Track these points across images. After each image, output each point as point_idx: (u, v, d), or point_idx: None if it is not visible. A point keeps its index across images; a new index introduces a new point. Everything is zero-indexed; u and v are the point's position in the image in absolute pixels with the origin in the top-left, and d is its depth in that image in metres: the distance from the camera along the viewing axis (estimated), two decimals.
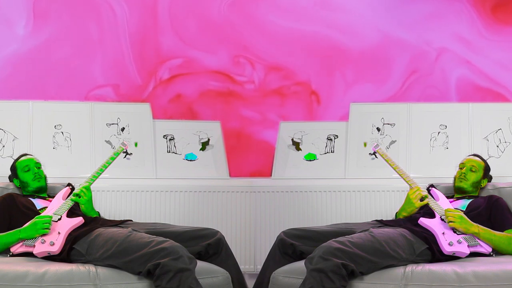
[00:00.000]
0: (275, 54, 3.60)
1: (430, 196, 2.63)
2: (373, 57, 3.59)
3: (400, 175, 2.74)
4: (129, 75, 3.57)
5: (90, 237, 2.34)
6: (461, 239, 2.36)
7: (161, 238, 2.23)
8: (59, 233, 2.38)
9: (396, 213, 2.81)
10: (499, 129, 3.30)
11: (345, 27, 3.60)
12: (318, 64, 3.60)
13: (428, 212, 2.60)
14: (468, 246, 2.35)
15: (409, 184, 2.70)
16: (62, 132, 3.27)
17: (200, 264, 2.27)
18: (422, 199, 2.61)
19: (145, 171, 3.29)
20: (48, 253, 2.33)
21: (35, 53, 3.52)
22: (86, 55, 3.55)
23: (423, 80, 3.58)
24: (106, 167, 2.78)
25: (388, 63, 3.60)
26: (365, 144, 3.32)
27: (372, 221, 2.74)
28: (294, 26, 3.60)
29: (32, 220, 2.42)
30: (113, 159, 2.82)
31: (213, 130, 3.34)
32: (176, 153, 3.33)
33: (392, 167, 2.78)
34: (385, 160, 2.81)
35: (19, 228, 2.41)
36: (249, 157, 3.58)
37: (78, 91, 3.53)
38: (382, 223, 2.63)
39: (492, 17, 3.56)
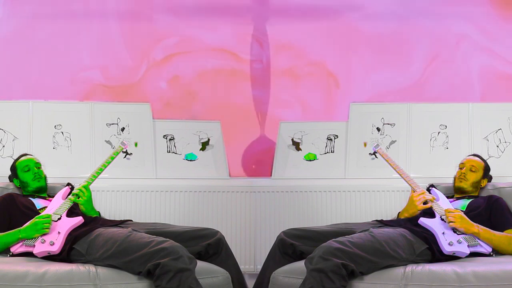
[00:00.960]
0: (285, 31, 3.35)
1: (435, 200, 2.62)
2: (391, 40, 3.43)
3: (401, 175, 2.75)
4: (119, 56, 3.37)
5: (90, 237, 2.34)
6: (461, 239, 2.36)
7: (161, 238, 2.23)
8: (59, 232, 2.38)
9: (399, 213, 2.82)
10: (499, 129, 3.30)
11: (360, 6, 3.40)
12: (333, 44, 3.39)
13: (428, 212, 2.60)
14: (468, 246, 2.35)
15: (410, 186, 2.70)
16: (62, 132, 3.27)
17: (200, 264, 2.27)
18: (425, 203, 2.61)
19: (145, 171, 3.29)
20: (48, 253, 2.33)
21: (14, 34, 3.34)
22: (71, 33, 3.36)
23: (445, 67, 3.46)
24: (106, 167, 2.79)
25: (408, 48, 3.45)
26: (365, 144, 3.32)
27: (372, 221, 2.75)
28: (305, 1, 3.39)
29: (32, 220, 2.42)
30: (112, 158, 2.82)
31: (213, 130, 3.34)
32: (176, 153, 3.33)
33: (393, 167, 2.78)
34: (386, 160, 2.82)
35: (19, 228, 2.41)
36: (258, 138, 3.45)
37: (64, 74, 3.38)
38: (382, 223, 2.63)
39: (505, 4, 3.45)
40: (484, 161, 2.90)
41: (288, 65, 3.45)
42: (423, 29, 3.47)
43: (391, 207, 3.17)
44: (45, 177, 2.86)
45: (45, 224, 2.38)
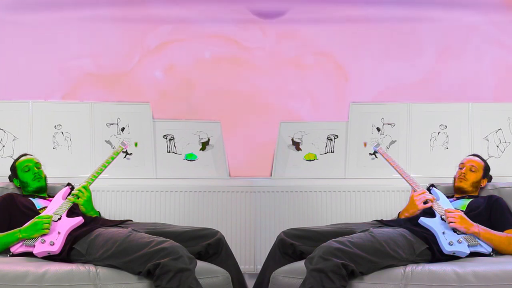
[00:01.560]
0: (289, 19, 3.23)
1: (435, 200, 2.63)
2: (400, 31, 3.36)
3: (401, 175, 2.75)
4: (111, 43, 3.27)
5: (90, 237, 2.34)
6: (461, 239, 2.36)
7: (161, 238, 2.23)
8: (59, 233, 2.38)
9: (399, 213, 2.82)
10: (499, 129, 3.30)
11: None
12: (340, 34, 3.28)
13: (428, 211, 2.60)
14: (468, 246, 2.35)
15: (411, 186, 2.70)
16: (62, 132, 3.27)
17: (200, 264, 2.27)
18: (425, 203, 2.61)
19: (145, 171, 3.29)
20: (48, 253, 2.32)
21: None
22: (60, 20, 3.26)
23: (456, 60, 3.41)
24: (106, 167, 2.79)
25: (418, 40, 3.38)
26: (365, 144, 3.32)
27: (372, 221, 2.75)
28: None
29: (32, 220, 2.42)
30: (113, 158, 2.82)
31: (213, 130, 3.34)
32: (176, 153, 3.33)
33: (393, 167, 2.79)
34: (386, 160, 2.82)
35: (19, 228, 2.41)
36: (263, 123, 3.36)
37: (53, 63, 3.30)
38: (382, 223, 2.63)
39: None
40: (484, 161, 2.90)
41: (293, 55, 3.34)
42: (434, 21, 3.40)
43: (391, 207, 3.17)
44: (45, 177, 2.86)
45: (45, 224, 2.38)
